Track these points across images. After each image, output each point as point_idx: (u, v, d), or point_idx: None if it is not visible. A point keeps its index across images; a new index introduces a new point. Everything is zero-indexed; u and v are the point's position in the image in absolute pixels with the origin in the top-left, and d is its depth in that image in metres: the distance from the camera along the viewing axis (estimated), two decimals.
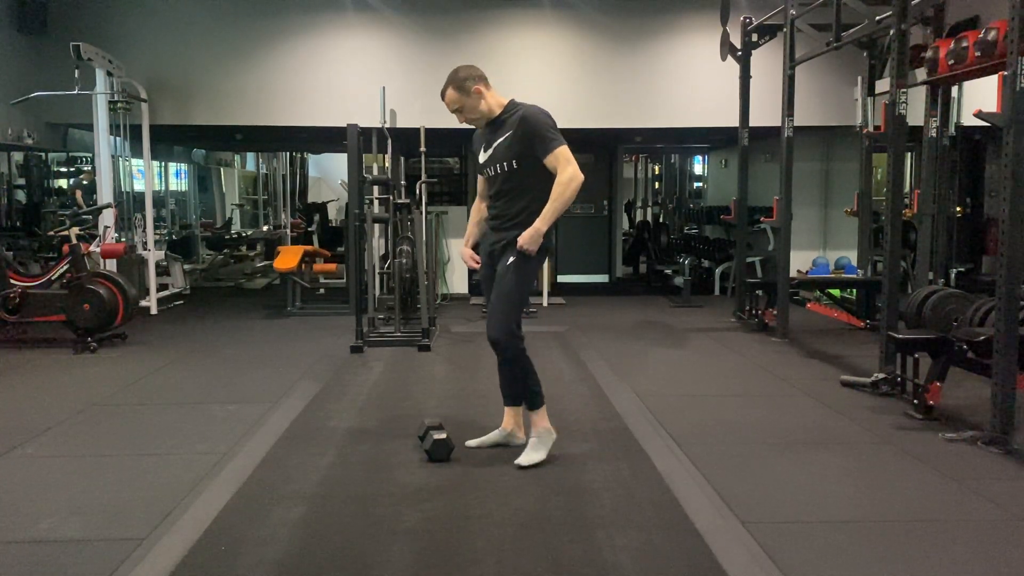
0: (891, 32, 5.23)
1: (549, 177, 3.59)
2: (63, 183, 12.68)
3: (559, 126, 3.64)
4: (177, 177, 15.09)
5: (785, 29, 6.83)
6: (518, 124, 3.61)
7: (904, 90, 5.08)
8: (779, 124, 6.94)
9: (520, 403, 3.91)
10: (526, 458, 3.71)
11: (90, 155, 10.30)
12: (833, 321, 7.99)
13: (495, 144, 3.69)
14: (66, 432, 4.27)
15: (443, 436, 3.80)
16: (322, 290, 9.90)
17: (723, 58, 7.86)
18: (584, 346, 6.71)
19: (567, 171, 3.53)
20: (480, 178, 3.89)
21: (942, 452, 3.91)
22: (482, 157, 3.77)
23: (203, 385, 5.42)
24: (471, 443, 3.96)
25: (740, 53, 7.79)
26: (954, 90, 7.30)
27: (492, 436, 3.97)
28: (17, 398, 5.07)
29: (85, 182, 11.49)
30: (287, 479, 3.55)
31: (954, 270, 7.98)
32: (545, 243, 3.66)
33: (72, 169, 12.44)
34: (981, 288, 7.73)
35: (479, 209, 3.96)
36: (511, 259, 3.64)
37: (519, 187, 3.66)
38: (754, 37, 7.68)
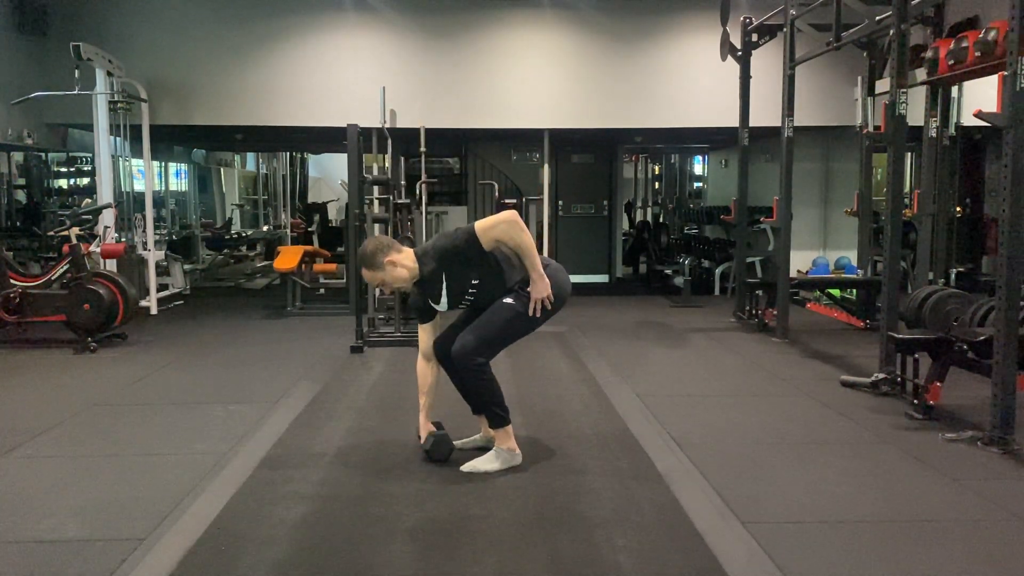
0: (891, 32, 5.23)
1: (494, 258, 3.56)
2: (63, 183, 12.67)
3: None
4: (177, 177, 15.09)
5: (785, 29, 6.84)
6: (440, 266, 3.56)
7: (904, 90, 5.08)
8: (779, 124, 6.94)
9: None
10: (471, 465, 3.64)
11: (90, 155, 10.29)
12: (833, 321, 7.99)
13: (443, 292, 3.63)
14: (66, 432, 4.28)
15: (443, 435, 3.79)
16: (322, 290, 9.89)
17: (723, 58, 7.86)
18: (584, 346, 6.71)
19: (500, 229, 3.46)
20: (422, 333, 3.79)
21: (942, 452, 3.91)
22: (442, 307, 3.70)
23: (203, 385, 5.42)
24: (457, 443, 3.93)
25: (740, 53, 7.79)
26: (954, 90, 7.31)
27: (476, 439, 3.96)
28: (17, 398, 5.07)
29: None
30: (287, 479, 3.55)
31: (954, 270, 7.97)
32: (561, 295, 3.63)
33: (72, 169, 12.44)
34: (981, 288, 7.73)
35: (427, 376, 3.81)
36: (509, 300, 3.59)
37: (493, 280, 3.61)
38: (754, 37, 7.68)
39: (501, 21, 9.02)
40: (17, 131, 8.40)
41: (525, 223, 3.61)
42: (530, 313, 3.57)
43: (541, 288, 3.55)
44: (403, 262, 3.61)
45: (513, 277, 3.62)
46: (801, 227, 9.58)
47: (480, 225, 3.50)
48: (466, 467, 3.64)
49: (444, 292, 3.64)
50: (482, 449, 3.84)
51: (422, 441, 3.82)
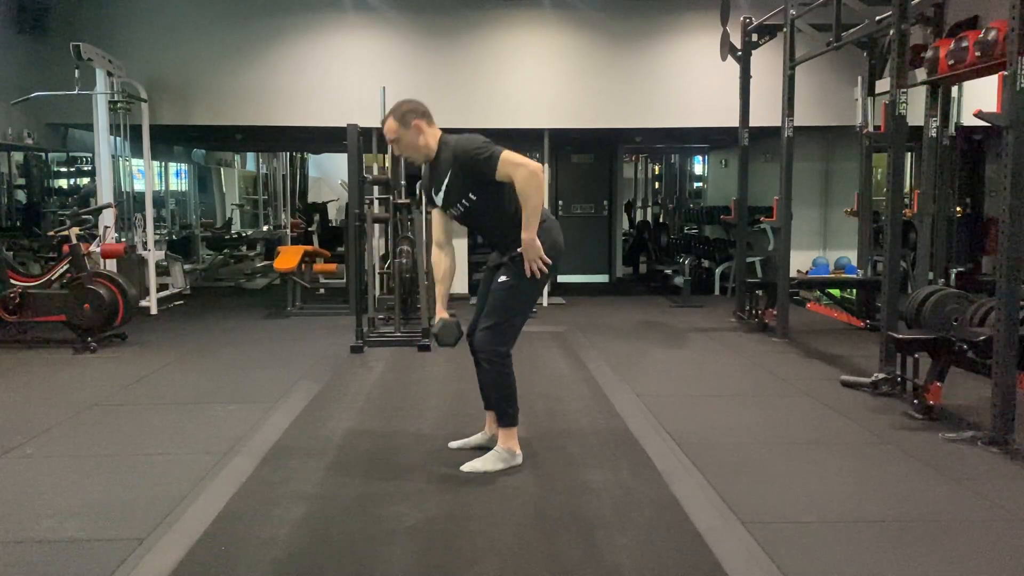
0: (891, 32, 5.23)
1: (512, 191, 3.46)
2: (63, 183, 12.68)
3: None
4: (177, 177, 15.09)
5: (785, 29, 6.84)
6: (453, 161, 3.52)
7: (904, 90, 5.09)
8: (779, 124, 6.94)
9: None
10: (471, 465, 3.62)
11: (90, 155, 10.29)
12: (833, 321, 7.99)
13: (444, 185, 3.59)
14: (66, 432, 4.27)
15: (453, 321, 3.69)
16: (322, 290, 9.90)
17: (723, 58, 7.86)
18: (584, 346, 6.71)
19: (519, 172, 3.38)
20: (435, 221, 3.77)
21: (942, 452, 3.91)
22: (438, 200, 3.68)
23: (203, 385, 5.42)
24: (454, 444, 3.94)
25: (740, 53, 7.79)
26: (954, 90, 7.30)
27: (475, 438, 3.94)
28: (17, 398, 5.07)
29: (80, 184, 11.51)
30: (287, 479, 3.55)
31: (954, 270, 7.97)
32: (554, 252, 3.56)
33: (72, 169, 12.44)
34: (981, 288, 7.73)
35: (440, 263, 3.76)
36: (503, 277, 3.57)
37: (491, 214, 3.57)
38: (754, 37, 7.68)
39: (501, 21, 9.02)
40: (17, 131, 8.39)
41: None
42: (527, 275, 3.48)
43: (531, 251, 3.45)
44: (429, 134, 3.60)
45: (512, 231, 3.49)
46: (801, 227, 9.57)
47: (507, 154, 3.42)
48: (466, 467, 3.63)
49: (444, 186, 3.59)
50: (481, 449, 3.84)
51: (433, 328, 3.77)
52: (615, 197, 11.72)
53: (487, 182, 3.47)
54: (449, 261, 3.78)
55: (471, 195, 3.54)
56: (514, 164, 3.40)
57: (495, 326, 3.59)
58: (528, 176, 3.39)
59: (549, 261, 3.53)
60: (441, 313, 3.76)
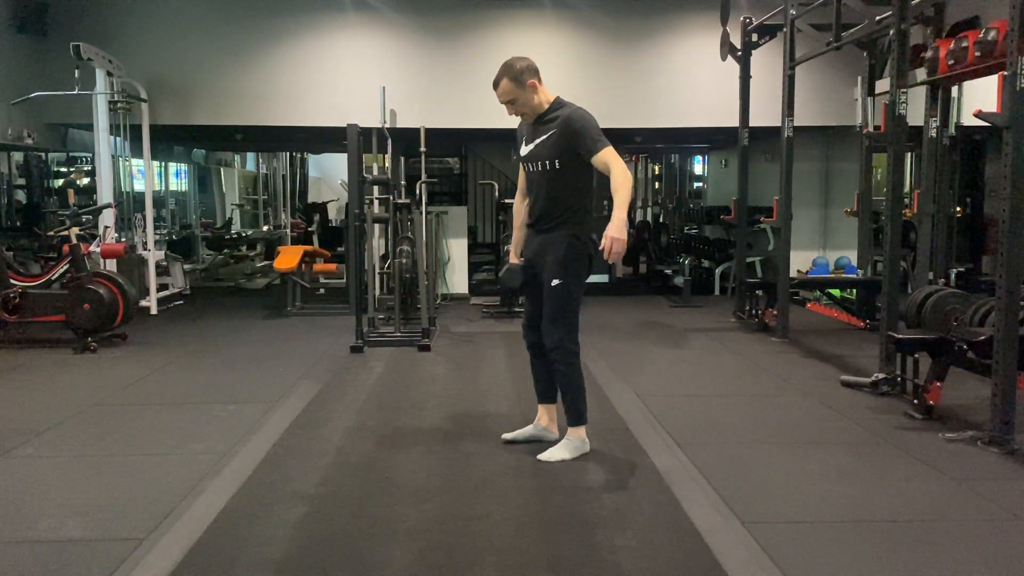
0: (891, 32, 5.23)
1: (589, 180, 3.65)
2: (62, 183, 12.67)
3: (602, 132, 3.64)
4: (177, 177, 15.08)
5: (785, 29, 6.84)
6: (563, 123, 3.62)
7: (904, 90, 5.08)
8: (779, 124, 6.94)
9: (554, 400, 3.97)
10: (548, 454, 3.75)
11: (90, 155, 10.30)
12: (833, 321, 7.99)
13: (538, 140, 3.70)
14: (66, 432, 4.27)
15: (517, 266, 3.83)
16: (322, 290, 9.89)
17: (723, 58, 7.86)
18: (584, 346, 6.67)
19: (618, 166, 3.52)
20: (521, 172, 3.90)
21: (942, 452, 3.91)
22: (523, 150, 3.79)
23: (203, 385, 5.42)
24: (506, 436, 4.02)
25: (740, 53, 7.79)
26: (954, 90, 7.30)
27: (527, 430, 4.02)
28: (17, 398, 5.07)
29: (79, 181, 11.50)
30: (287, 479, 3.55)
31: (954, 270, 7.97)
32: (588, 251, 3.71)
33: (72, 169, 12.44)
34: (981, 288, 7.73)
35: (521, 210, 3.94)
36: (556, 280, 3.65)
37: (560, 187, 3.67)
38: (754, 37, 7.68)
39: (501, 21, 9.02)
40: (17, 131, 8.39)
41: None
42: (605, 255, 3.45)
43: (617, 243, 3.40)
44: (543, 93, 3.71)
45: (564, 213, 3.66)
46: (801, 227, 9.56)
47: (611, 149, 3.54)
48: (543, 456, 3.75)
49: (538, 143, 3.70)
50: (535, 441, 3.93)
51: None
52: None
53: (578, 160, 3.60)
54: (527, 211, 3.90)
55: (557, 162, 3.65)
56: (615, 158, 3.54)
57: (564, 327, 3.71)
58: (624, 172, 3.52)
59: (623, 250, 3.51)
60: (513, 259, 3.93)
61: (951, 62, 5.60)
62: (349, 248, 8.88)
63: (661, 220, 15.65)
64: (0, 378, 5.56)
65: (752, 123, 7.88)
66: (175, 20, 8.82)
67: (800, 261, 9.79)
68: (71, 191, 11.30)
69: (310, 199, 17.32)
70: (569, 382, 3.79)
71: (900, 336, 4.80)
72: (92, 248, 7.21)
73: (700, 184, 15.50)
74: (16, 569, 2.72)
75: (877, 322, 6.16)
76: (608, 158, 3.53)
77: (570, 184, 3.67)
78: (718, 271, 10.32)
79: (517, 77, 3.65)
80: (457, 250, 9.80)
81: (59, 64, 8.04)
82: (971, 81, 6.63)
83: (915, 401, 4.52)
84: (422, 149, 8.15)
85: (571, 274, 3.68)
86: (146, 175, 8.88)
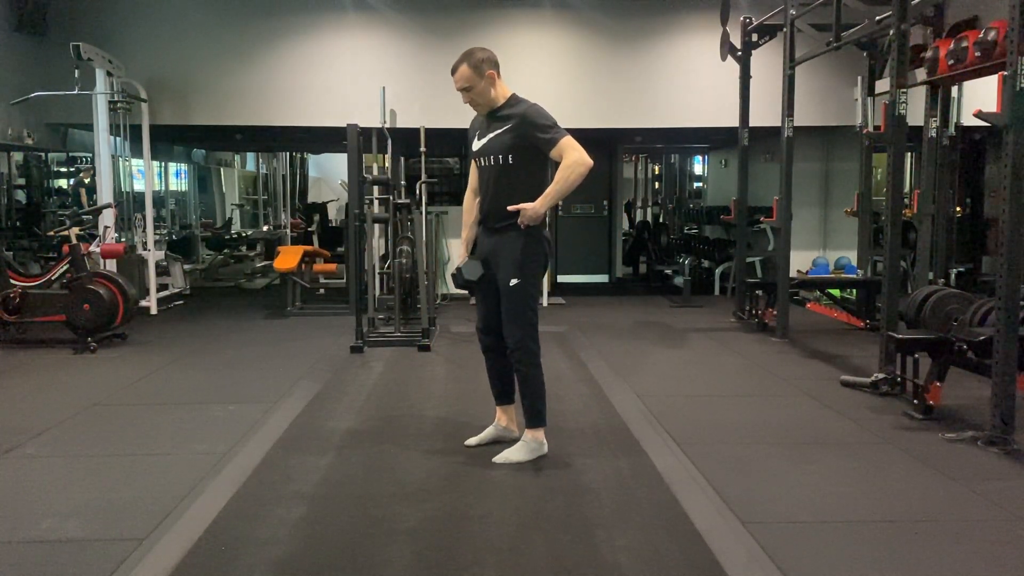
0: (891, 32, 5.23)
1: (542, 177, 3.61)
2: (63, 183, 12.67)
3: (560, 125, 3.64)
4: (177, 177, 15.08)
5: (785, 29, 6.83)
6: (520, 119, 3.61)
7: (904, 90, 5.08)
8: (779, 124, 6.94)
9: (512, 400, 3.94)
10: (503, 456, 3.73)
11: (90, 155, 10.30)
12: (833, 321, 7.99)
13: (491, 135, 3.68)
14: (66, 432, 4.27)
15: (474, 262, 3.75)
16: (322, 290, 9.89)
17: (723, 58, 7.86)
18: (584, 346, 6.71)
19: (573, 155, 3.51)
20: (473, 168, 3.87)
21: (942, 452, 3.91)
22: (475, 145, 3.77)
23: (203, 385, 5.42)
24: (470, 441, 3.98)
25: (740, 53, 7.79)
26: (954, 90, 7.30)
27: (488, 432, 3.99)
28: (17, 398, 5.07)
29: (87, 180, 11.49)
30: (287, 479, 3.55)
31: (954, 270, 7.97)
32: (543, 250, 3.69)
33: (72, 169, 12.44)
34: (981, 288, 7.74)
35: (471, 208, 3.91)
36: (514, 280, 3.62)
37: (512, 183, 3.64)
38: (754, 37, 7.68)
39: (501, 21, 9.02)
40: (17, 131, 8.39)
41: None
42: (520, 222, 3.55)
43: (532, 218, 3.54)
44: (501, 87, 3.70)
45: (514, 200, 3.62)
46: (801, 227, 9.57)
47: (570, 139, 3.54)
48: (498, 458, 3.71)
49: (489, 137, 3.68)
50: (499, 443, 3.90)
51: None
52: (615, 197, 11.72)
53: (532, 155, 3.59)
54: (478, 209, 3.88)
55: (510, 157, 3.63)
56: (571, 146, 3.54)
57: (523, 326, 3.66)
58: (578, 161, 3.50)
59: (531, 222, 3.59)
60: (464, 256, 3.88)
61: (951, 62, 5.60)
62: (349, 248, 8.88)
63: (661, 220, 15.66)
64: (0, 378, 5.56)
65: (752, 123, 7.88)
66: (175, 20, 8.82)
67: (800, 261, 9.78)
68: (83, 191, 11.31)
69: (310, 199, 17.31)
70: (529, 382, 3.73)
71: (900, 336, 4.80)
72: (92, 248, 7.21)
73: (700, 184, 15.51)
74: (16, 569, 2.72)
75: (877, 322, 6.17)
76: (565, 147, 3.52)
77: (523, 180, 3.63)
78: (718, 271, 10.32)
79: (477, 66, 3.64)
80: (457, 251, 9.80)
81: (59, 64, 8.03)
82: (971, 81, 6.64)
83: (915, 401, 4.52)
84: (422, 149, 8.15)
85: (528, 273, 3.65)
86: (146, 175, 8.88)
